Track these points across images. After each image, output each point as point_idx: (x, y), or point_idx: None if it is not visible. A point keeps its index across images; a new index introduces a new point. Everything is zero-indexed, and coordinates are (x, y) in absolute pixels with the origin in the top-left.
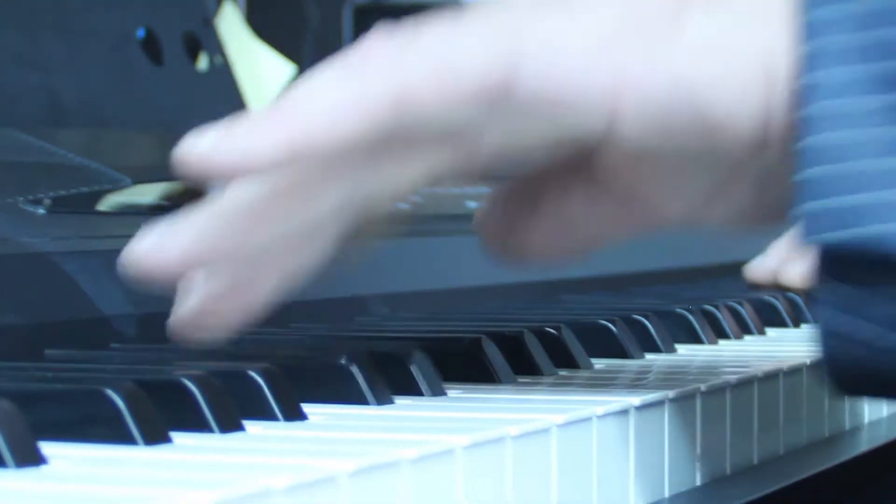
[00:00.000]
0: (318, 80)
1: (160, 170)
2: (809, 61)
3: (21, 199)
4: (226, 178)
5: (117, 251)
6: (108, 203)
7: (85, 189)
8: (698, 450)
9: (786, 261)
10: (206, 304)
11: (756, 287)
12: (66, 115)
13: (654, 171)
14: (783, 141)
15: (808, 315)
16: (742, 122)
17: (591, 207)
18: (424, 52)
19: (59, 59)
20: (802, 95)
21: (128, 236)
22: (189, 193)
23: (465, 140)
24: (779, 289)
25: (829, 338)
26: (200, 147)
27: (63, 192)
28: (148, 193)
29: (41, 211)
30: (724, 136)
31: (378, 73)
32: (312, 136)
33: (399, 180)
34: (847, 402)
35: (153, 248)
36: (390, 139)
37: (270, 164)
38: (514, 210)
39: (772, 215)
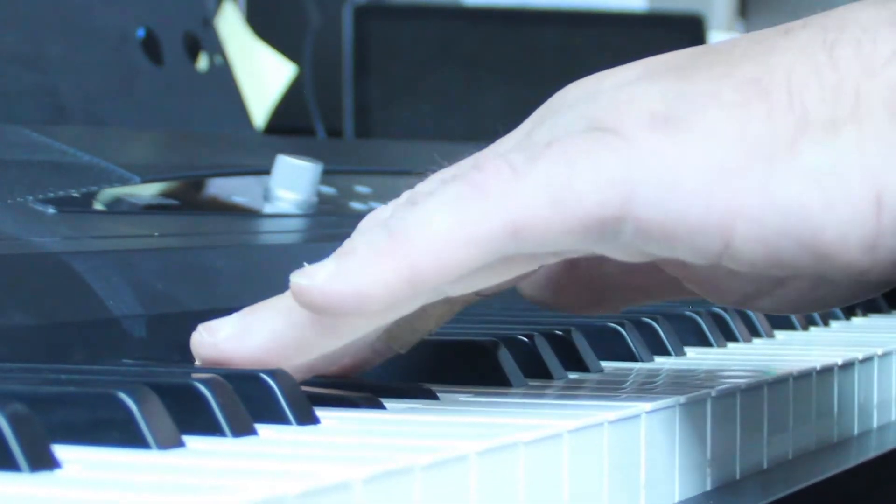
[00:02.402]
0: (430, 208)
1: (168, 168)
2: None
3: (31, 198)
4: (339, 315)
5: (128, 251)
6: (117, 202)
7: (94, 188)
8: (708, 454)
9: None
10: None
11: None
12: (66, 115)
13: (718, 273)
14: (889, 262)
15: (816, 318)
16: (851, 247)
17: (632, 278)
18: (540, 183)
19: (59, 59)
20: None
21: (138, 236)
22: (197, 192)
23: (565, 257)
24: None
25: None
26: (315, 282)
27: (73, 192)
28: (157, 192)
29: (51, 210)
30: (832, 261)
31: (493, 204)
32: (427, 272)
33: (482, 287)
34: (856, 407)
35: (229, 342)
36: (494, 262)
37: (385, 305)
38: (553, 266)
39: (817, 306)
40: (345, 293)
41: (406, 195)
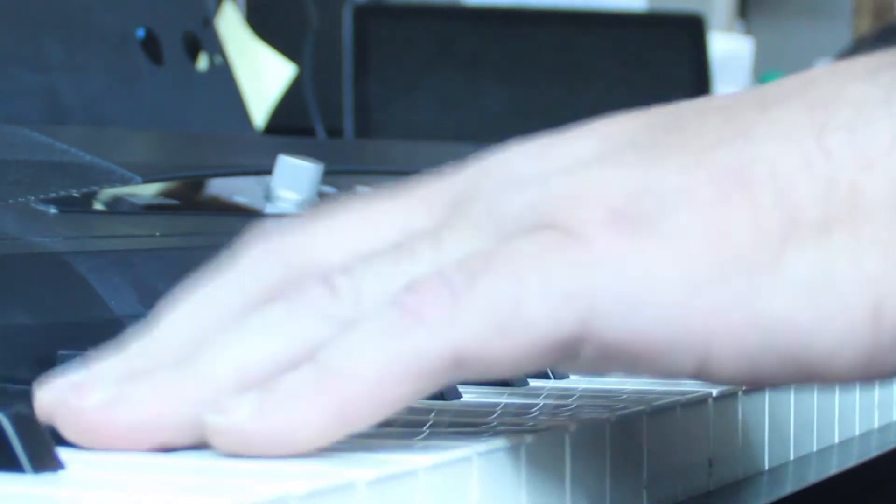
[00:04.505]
0: (361, 338)
1: (169, 168)
2: None
3: (32, 198)
4: (257, 455)
5: (129, 251)
6: (119, 202)
7: (96, 188)
8: (710, 454)
9: None
10: None
11: None
12: (66, 115)
13: None
14: (885, 377)
15: None
16: (843, 364)
17: None
18: (483, 307)
19: (59, 59)
20: None
21: (140, 236)
22: (199, 193)
23: None
24: None
25: None
26: (233, 421)
27: (74, 192)
28: (158, 192)
29: (52, 210)
30: (820, 377)
31: (431, 334)
32: (362, 410)
33: None
34: (857, 407)
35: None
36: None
37: (313, 446)
38: None
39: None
40: (267, 435)
41: (309, 227)
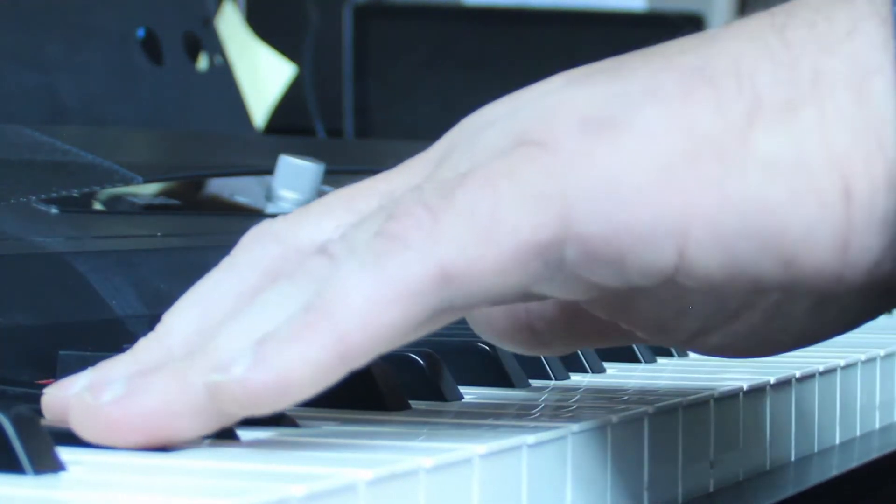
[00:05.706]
0: (348, 271)
1: (170, 168)
2: None
3: (34, 198)
4: (267, 409)
5: (130, 251)
6: (120, 202)
7: (97, 188)
8: (711, 455)
9: None
10: None
11: None
12: (66, 115)
13: (664, 311)
14: (863, 268)
15: None
16: (820, 246)
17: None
18: (462, 218)
19: (59, 59)
20: None
21: (141, 236)
22: (200, 192)
23: (516, 300)
24: None
25: None
26: (232, 376)
27: (76, 192)
28: (159, 192)
29: (54, 210)
30: (799, 265)
31: (414, 251)
32: (358, 342)
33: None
34: (858, 408)
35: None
36: (438, 314)
37: (316, 387)
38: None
39: (774, 344)
40: (269, 382)
41: (300, 211)
